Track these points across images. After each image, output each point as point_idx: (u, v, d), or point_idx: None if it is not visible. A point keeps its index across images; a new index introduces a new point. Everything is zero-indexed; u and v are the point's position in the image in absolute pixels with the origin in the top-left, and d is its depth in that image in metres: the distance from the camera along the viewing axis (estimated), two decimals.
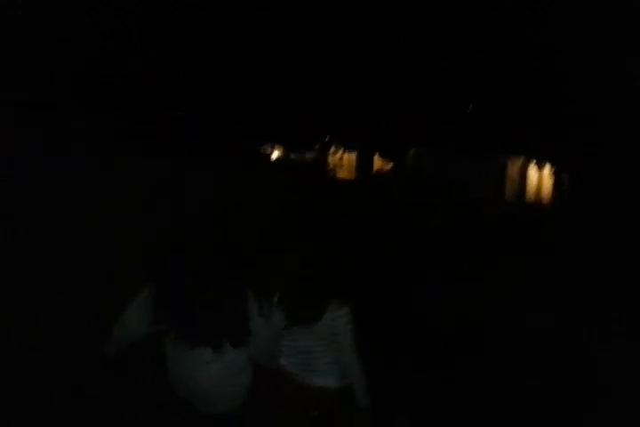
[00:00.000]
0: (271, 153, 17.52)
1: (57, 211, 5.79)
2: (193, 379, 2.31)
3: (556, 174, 14.96)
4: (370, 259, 6.91)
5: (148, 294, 2.33)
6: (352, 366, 2.50)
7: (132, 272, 2.42)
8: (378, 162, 17.07)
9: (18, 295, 4.19)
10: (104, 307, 2.82)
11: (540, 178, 16.79)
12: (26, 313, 3.98)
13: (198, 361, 2.29)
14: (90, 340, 2.69)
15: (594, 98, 8.74)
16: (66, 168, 6.76)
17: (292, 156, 18.30)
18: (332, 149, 16.75)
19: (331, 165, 17.99)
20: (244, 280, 2.36)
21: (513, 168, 16.95)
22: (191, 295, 2.29)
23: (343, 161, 18.96)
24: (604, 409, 3.93)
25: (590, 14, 8.17)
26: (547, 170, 14.70)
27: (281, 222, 6.31)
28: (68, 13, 7.70)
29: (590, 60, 8.46)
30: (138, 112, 9.53)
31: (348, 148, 16.14)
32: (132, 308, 2.37)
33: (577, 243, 8.19)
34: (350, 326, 2.48)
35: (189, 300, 2.29)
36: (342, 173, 18.31)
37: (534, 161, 14.46)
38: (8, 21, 7.19)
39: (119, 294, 2.53)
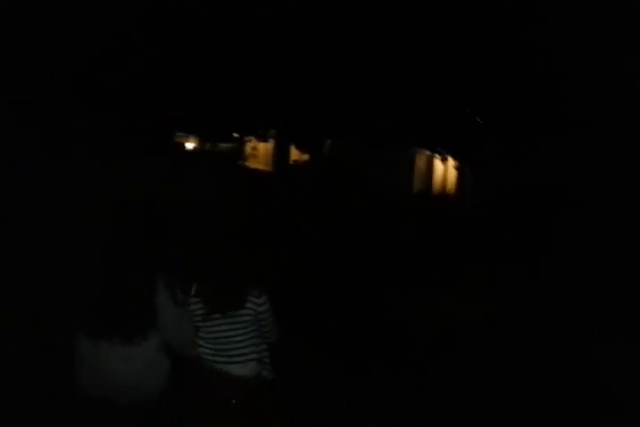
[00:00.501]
0: (186, 143, 17.31)
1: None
2: (106, 372, 2.29)
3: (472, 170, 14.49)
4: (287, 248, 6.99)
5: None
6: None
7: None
8: (294, 153, 16.88)
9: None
10: None
11: (446, 170, 16.52)
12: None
13: (110, 354, 2.27)
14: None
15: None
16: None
17: (207, 146, 18.06)
18: (247, 139, 16.50)
19: (246, 155, 17.73)
20: (154, 270, 2.35)
21: (421, 161, 16.78)
22: (101, 286, 2.30)
23: (258, 151, 18.70)
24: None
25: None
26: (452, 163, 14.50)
27: (203, 212, 6.33)
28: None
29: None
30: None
31: (263, 138, 15.81)
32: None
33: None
34: (270, 312, 2.60)
35: (99, 290, 2.30)
36: (257, 164, 18.08)
37: (442, 155, 14.27)
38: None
39: None
